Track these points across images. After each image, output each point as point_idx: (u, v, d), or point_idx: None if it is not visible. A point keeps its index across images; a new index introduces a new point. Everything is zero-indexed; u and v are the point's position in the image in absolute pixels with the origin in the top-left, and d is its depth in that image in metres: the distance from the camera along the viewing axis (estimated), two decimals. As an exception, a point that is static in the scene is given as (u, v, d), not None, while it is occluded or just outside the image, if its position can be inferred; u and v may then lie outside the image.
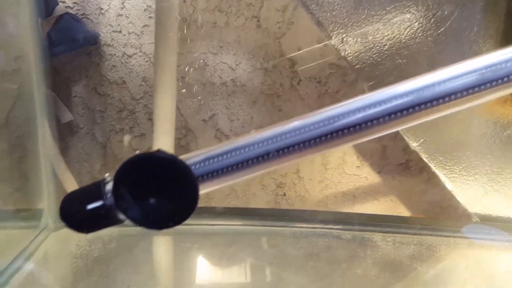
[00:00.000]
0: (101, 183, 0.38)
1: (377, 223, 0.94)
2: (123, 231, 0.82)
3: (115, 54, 1.05)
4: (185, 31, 1.04)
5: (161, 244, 0.86)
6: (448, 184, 0.86)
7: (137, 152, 0.36)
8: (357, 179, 1.15)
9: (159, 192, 0.36)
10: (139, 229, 0.87)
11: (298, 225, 0.92)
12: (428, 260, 0.78)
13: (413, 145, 0.84)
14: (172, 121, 0.88)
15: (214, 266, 0.74)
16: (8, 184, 0.91)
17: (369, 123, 0.36)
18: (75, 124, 1.08)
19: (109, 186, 0.38)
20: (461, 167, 0.85)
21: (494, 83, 0.35)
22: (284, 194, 1.17)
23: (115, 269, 0.68)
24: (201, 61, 1.07)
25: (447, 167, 0.85)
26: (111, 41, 1.03)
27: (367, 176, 1.14)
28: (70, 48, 0.96)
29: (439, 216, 1.08)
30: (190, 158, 0.37)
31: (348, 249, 0.80)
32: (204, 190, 0.38)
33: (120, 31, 1.03)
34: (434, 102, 0.36)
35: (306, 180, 1.16)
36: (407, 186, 1.13)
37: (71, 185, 0.94)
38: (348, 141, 0.37)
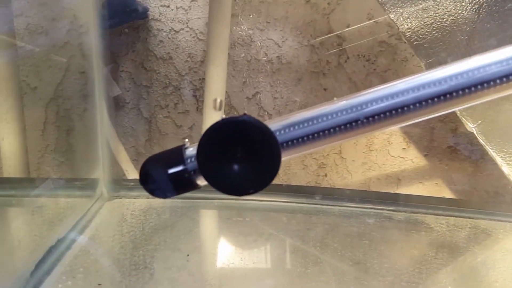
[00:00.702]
0: (182, 148, 0.38)
1: (428, 205, 0.92)
2: (175, 202, 0.83)
3: (162, 29, 1.04)
4: (233, 7, 1.03)
5: (210, 216, 0.87)
6: (505, 168, 0.83)
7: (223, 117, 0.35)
8: (402, 161, 1.13)
9: (242, 158, 0.36)
10: (189, 201, 0.87)
11: (347, 205, 0.91)
12: (484, 243, 0.76)
13: (470, 126, 0.81)
14: (222, 95, 0.88)
15: (264, 239, 0.74)
16: (65, 155, 0.93)
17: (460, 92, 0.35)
18: (122, 99, 1.09)
19: (189, 151, 0.38)
20: (519, 150, 0.82)
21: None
22: (326, 175, 1.16)
23: (172, 238, 0.69)
24: (248, 37, 1.05)
25: (505, 150, 0.82)
26: (159, 15, 1.03)
27: (412, 158, 1.12)
28: (121, 21, 0.97)
29: (490, 201, 1.05)
30: (274, 123, 0.37)
31: (401, 230, 0.79)
32: (286, 157, 0.37)
33: (168, 6, 1.03)
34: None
35: (349, 161, 1.14)
36: (454, 170, 1.10)
37: (123, 157, 0.96)
38: (434, 111, 0.36)
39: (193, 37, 1.05)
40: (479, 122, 0.81)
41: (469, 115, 0.81)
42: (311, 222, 0.81)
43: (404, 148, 1.11)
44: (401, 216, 0.85)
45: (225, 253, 0.70)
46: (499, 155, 0.82)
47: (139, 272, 0.58)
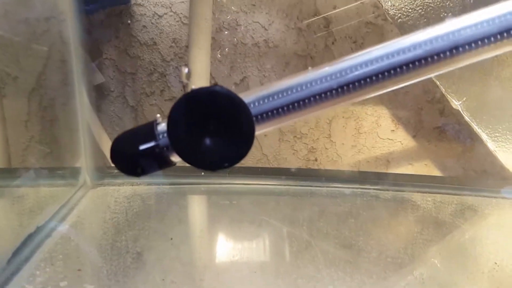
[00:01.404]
0: (154, 123, 0.37)
1: (415, 183, 0.92)
2: (161, 188, 0.82)
3: (145, 14, 1.02)
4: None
5: (197, 201, 0.86)
6: (490, 144, 0.83)
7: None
8: (391, 143, 1.12)
9: (214, 132, 0.34)
10: (176, 187, 0.86)
11: (334, 185, 0.90)
12: (470, 219, 0.76)
13: (456, 103, 0.81)
14: (207, 79, 0.86)
15: (251, 223, 0.74)
16: (46, 144, 0.91)
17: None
18: (106, 87, 1.07)
19: (161, 127, 0.37)
20: (504, 126, 0.81)
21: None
22: (316, 159, 1.16)
23: (156, 223, 0.68)
24: (233, 20, 1.04)
25: (490, 126, 0.81)
26: (142, 0, 1.01)
27: (401, 140, 1.12)
28: (102, 6, 0.94)
29: (477, 177, 1.05)
30: (247, 95, 0.35)
31: (388, 208, 0.79)
32: (260, 130, 0.36)
33: (151, -10, 1.01)
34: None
35: (339, 145, 1.14)
36: (443, 150, 1.10)
37: (107, 145, 0.94)
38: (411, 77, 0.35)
39: (177, 21, 1.04)
40: (464, 99, 0.80)
41: (454, 92, 0.80)
42: (298, 203, 0.80)
43: (393, 130, 1.11)
44: (388, 195, 0.85)
45: (212, 237, 0.69)
46: (484, 131, 0.82)
47: (120, 257, 0.57)
